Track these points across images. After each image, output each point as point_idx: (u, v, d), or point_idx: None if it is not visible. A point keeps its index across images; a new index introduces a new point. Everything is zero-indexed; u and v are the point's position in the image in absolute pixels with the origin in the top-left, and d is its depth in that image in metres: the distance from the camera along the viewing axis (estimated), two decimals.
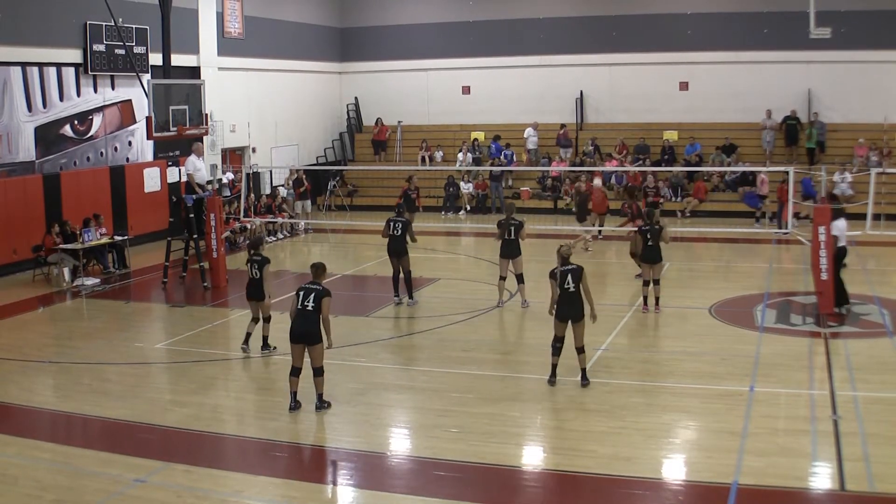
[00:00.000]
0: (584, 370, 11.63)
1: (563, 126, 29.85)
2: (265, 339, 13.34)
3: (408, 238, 16.16)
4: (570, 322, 11.49)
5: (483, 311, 16.00)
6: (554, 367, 11.67)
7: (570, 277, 11.45)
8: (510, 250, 15.89)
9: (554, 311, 11.62)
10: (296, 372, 10.91)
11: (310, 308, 10.60)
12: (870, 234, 16.47)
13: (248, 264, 13.39)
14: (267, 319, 13.35)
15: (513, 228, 15.84)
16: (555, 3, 30.74)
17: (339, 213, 29.25)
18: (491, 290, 17.19)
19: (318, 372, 10.82)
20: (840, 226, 15.11)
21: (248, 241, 16.95)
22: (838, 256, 15.09)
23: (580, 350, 11.57)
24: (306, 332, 10.68)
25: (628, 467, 9.20)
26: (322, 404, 10.88)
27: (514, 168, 29.12)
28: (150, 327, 16.03)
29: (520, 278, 15.92)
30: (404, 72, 32.32)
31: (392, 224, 16.21)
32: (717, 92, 29.00)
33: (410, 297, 16.37)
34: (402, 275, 16.32)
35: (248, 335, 13.49)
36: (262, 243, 13.88)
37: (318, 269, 11.03)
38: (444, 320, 15.40)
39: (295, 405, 10.90)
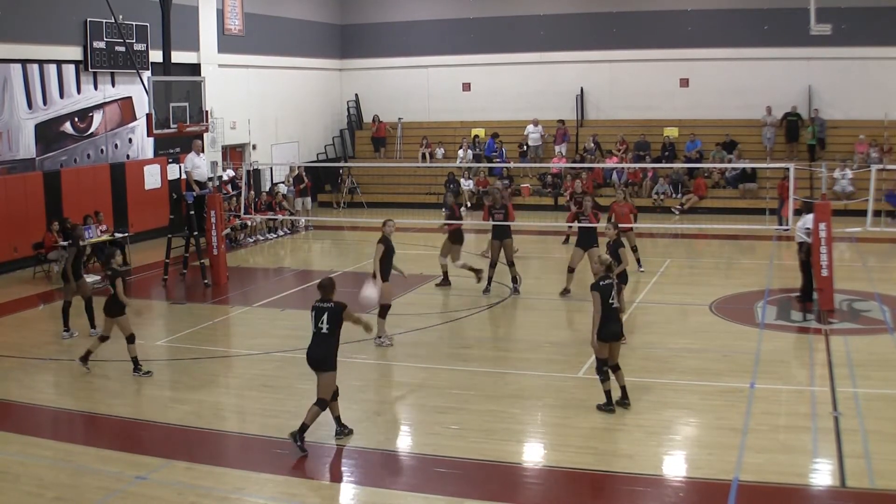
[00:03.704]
0: (624, 388, 10.64)
1: (561, 122, 29.85)
2: (135, 360, 12.43)
3: None
4: (611, 342, 10.50)
5: (484, 307, 16.01)
6: (608, 393, 10.52)
7: (615, 292, 10.49)
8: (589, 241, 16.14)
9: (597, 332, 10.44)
10: (333, 395, 9.88)
11: (325, 331, 9.65)
12: (870, 230, 16.46)
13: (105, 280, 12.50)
14: (130, 339, 12.43)
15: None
16: (555, 0, 30.73)
17: (357, 210, 29.21)
18: (491, 287, 17.19)
19: (319, 403, 9.62)
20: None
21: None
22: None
23: (617, 367, 10.64)
24: (317, 358, 9.70)
25: (629, 464, 9.20)
26: (342, 429, 9.91)
27: (515, 165, 29.10)
28: (151, 324, 15.99)
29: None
30: (405, 69, 32.31)
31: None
32: (718, 88, 29.00)
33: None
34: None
35: (89, 353, 12.55)
36: (114, 257, 13.08)
37: (327, 289, 9.83)
38: (444, 317, 15.41)
39: (341, 430, 9.96)
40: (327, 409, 9.76)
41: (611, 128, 29.80)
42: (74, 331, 14.47)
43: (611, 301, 10.44)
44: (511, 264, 16.79)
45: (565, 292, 16.37)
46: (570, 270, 16.33)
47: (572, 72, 30.39)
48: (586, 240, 16.16)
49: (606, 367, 10.56)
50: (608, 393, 10.57)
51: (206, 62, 25.81)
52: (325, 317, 9.65)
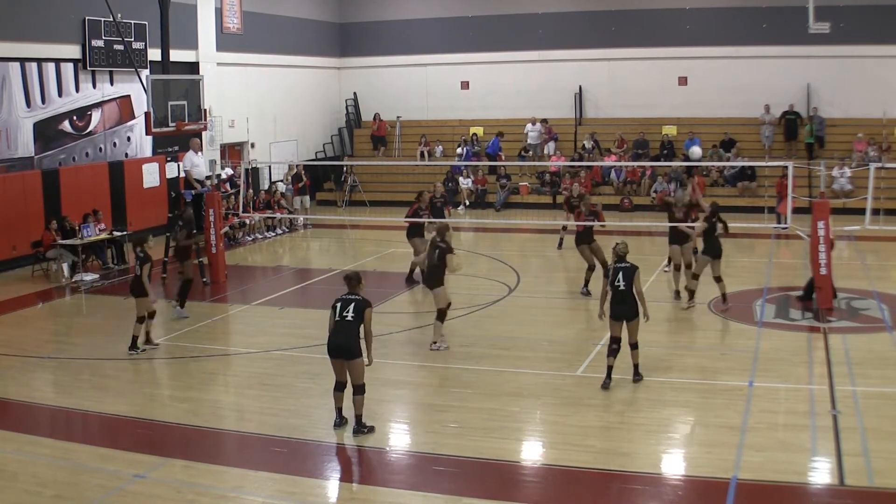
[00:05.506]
0: (636, 366, 11.49)
1: (545, 121, 29.84)
2: (135, 339, 13.39)
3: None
4: (624, 321, 11.36)
5: (482, 306, 16.00)
6: (610, 368, 11.36)
7: (621, 275, 11.30)
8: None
9: (608, 311, 11.48)
10: (340, 387, 10.09)
11: (350, 318, 9.77)
12: (869, 229, 16.46)
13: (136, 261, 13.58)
14: (151, 315, 13.54)
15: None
16: None
17: (358, 209, 29.18)
18: (490, 286, 17.19)
19: (359, 390, 9.90)
20: None
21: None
22: None
23: (634, 346, 11.45)
24: (345, 346, 9.82)
25: (627, 462, 9.20)
26: (361, 428, 9.97)
27: (512, 163, 29.08)
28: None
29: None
30: (403, 67, 32.31)
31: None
32: (716, 87, 29.02)
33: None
34: None
35: (135, 338, 13.44)
36: (146, 242, 13.67)
37: (354, 281, 10.06)
38: None
39: (340, 421, 10.14)
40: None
41: (609, 126, 29.81)
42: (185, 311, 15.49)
43: (616, 284, 11.31)
44: (595, 267, 16.57)
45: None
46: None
47: (571, 70, 30.40)
48: None
49: (617, 345, 11.34)
50: (609, 368, 11.32)
51: (205, 60, 25.79)
52: (351, 307, 9.87)
